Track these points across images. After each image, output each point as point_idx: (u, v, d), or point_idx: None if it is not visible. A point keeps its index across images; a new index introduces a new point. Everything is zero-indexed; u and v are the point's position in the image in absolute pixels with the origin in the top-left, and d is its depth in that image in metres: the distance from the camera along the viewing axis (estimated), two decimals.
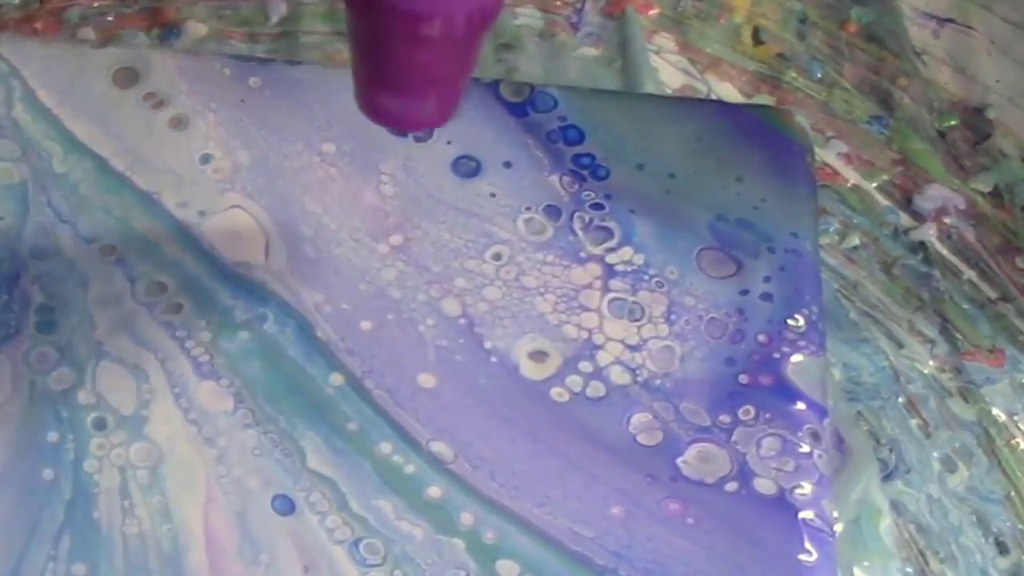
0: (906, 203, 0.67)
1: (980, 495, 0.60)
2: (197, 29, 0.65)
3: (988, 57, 0.71)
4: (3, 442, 0.51)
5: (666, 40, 0.69)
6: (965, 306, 0.66)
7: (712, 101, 0.68)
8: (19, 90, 0.56)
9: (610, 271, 0.56)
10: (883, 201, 0.67)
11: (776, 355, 0.55)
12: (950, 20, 0.71)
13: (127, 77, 0.57)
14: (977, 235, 0.67)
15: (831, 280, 0.65)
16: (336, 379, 0.53)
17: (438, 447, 0.52)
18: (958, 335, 0.66)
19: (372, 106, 0.42)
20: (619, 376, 0.54)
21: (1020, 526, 0.60)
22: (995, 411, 0.63)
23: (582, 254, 0.56)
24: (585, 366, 0.54)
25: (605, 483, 0.52)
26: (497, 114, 0.58)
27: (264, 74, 0.57)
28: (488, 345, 0.54)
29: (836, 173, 0.68)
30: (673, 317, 0.55)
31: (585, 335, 0.55)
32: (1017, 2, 0.70)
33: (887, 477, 0.60)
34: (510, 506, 0.51)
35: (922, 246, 0.66)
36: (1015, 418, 0.63)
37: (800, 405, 0.54)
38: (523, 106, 0.58)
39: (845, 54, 0.70)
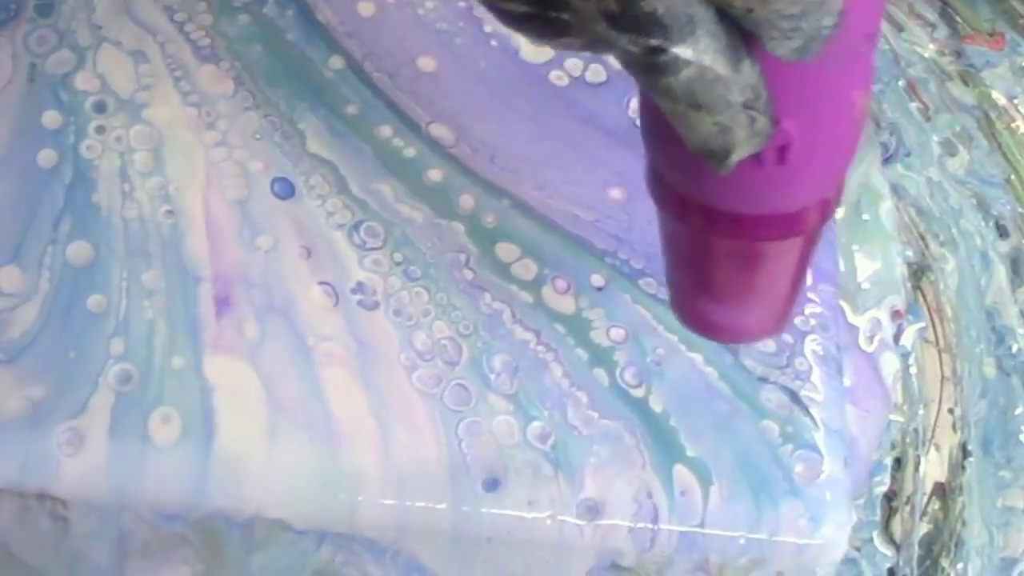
0: None
1: (980, 178, 0.54)
2: None
3: None
4: (3, 125, 0.44)
5: None
6: None
7: None
8: None
9: None
10: None
11: None
12: None
13: None
14: None
15: None
16: (336, 62, 0.46)
17: (438, 130, 0.45)
18: (958, 18, 0.58)
19: (692, 316, 0.34)
20: None
21: (1020, 209, 0.53)
22: (995, 94, 0.56)
23: None
24: None
25: (604, 166, 0.45)
26: None
27: None
28: (488, 28, 0.47)
29: None
30: None
31: None
32: None
33: (887, 160, 0.53)
34: (510, 189, 0.44)
35: None
36: (1015, 101, 0.56)
37: None
38: None
39: None
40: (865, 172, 0.51)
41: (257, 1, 0.46)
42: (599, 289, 0.43)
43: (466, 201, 0.44)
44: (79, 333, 0.40)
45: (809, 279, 0.44)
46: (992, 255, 0.52)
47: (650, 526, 0.39)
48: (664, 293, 0.42)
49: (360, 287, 0.42)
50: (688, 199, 0.29)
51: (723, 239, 0.29)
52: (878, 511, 0.48)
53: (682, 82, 0.24)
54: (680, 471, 0.40)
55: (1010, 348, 0.51)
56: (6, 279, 0.41)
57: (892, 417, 0.49)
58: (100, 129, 0.44)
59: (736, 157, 0.25)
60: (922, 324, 0.51)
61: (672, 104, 0.24)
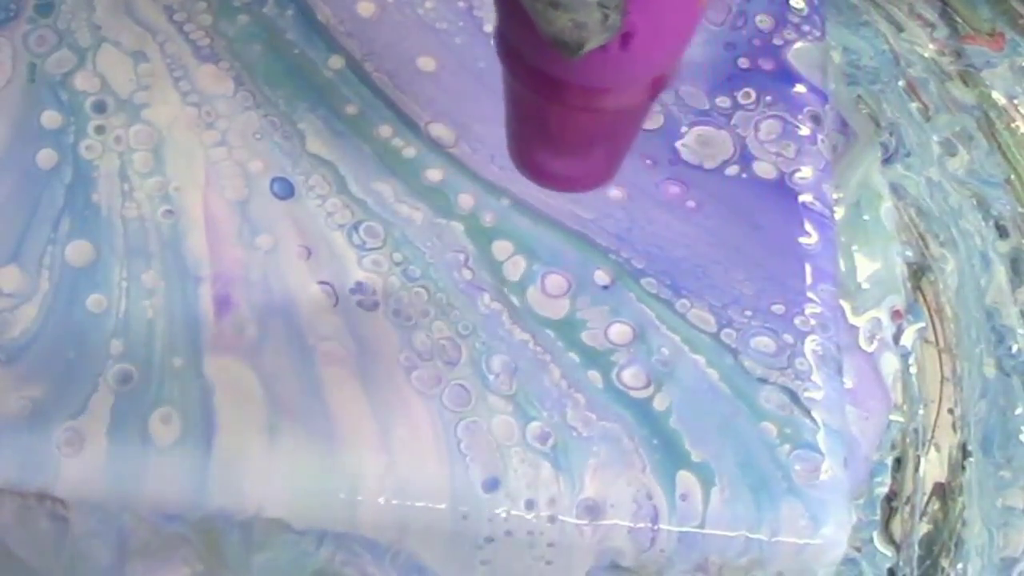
0: None
1: (980, 178, 0.54)
2: None
3: None
4: (2, 125, 0.44)
5: None
6: None
7: None
8: None
9: None
10: None
11: (777, 40, 0.47)
12: None
13: None
14: None
15: None
16: (336, 62, 0.46)
17: (437, 130, 0.45)
18: (958, 18, 0.58)
19: (529, 164, 0.35)
20: None
21: (1020, 209, 0.53)
22: (995, 94, 0.56)
23: None
24: None
25: None
26: None
27: None
28: (488, 28, 0.47)
29: None
30: None
31: None
32: None
33: (887, 161, 0.53)
34: (510, 188, 0.44)
35: None
36: (1015, 101, 0.55)
37: (800, 88, 0.47)
38: None
39: None
40: (865, 172, 0.52)
41: (257, 1, 0.46)
42: (604, 287, 0.43)
43: (465, 200, 0.44)
44: (79, 333, 0.40)
45: (809, 279, 0.44)
46: (992, 255, 0.52)
47: (650, 526, 0.39)
48: (665, 292, 0.42)
49: (360, 287, 0.42)
50: (535, 68, 0.30)
51: (565, 106, 0.31)
52: (878, 511, 0.48)
53: None
54: (680, 472, 0.40)
55: (1010, 348, 0.51)
56: (6, 279, 0.41)
57: (892, 417, 0.49)
58: (100, 129, 0.44)
59: (587, 49, 0.27)
60: (922, 324, 0.51)
61: (531, 0, 0.26)
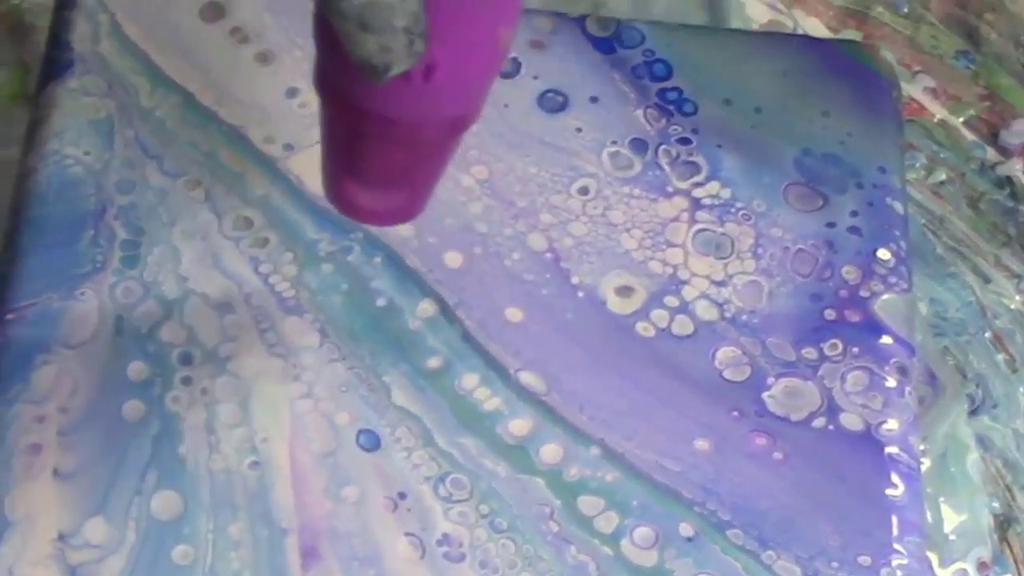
0: (992, 138, 0.61)
1: None
2: None
3: None
4: (90, 377, 0.45)
5: None
6: None
7: (799, 36, 0.61)
8: (106, 24, 0.50)
9: (697, 204, 0.49)
10: (969, 136, 0.61)
11: (863, 291, 0.48)
12: None
13: (213, 11, 0.51)
14: None
15: (918, 215, 0.58)
16: (423, 311, 0.47)
17: (526, 379, 0.46)
18: None
19: (340, 198, 0.38)
20: (705, 311, 0.48)
21: None
22: None
23: (668, 188, 0.49)
24: (671, 301, 0.48)
25: (692, 418, 0.46)
26: (584, 49, 0.51)
27: None
28: (575, 280, 0.48)
29: (923, 108, 0.61)
30: (760, 251, 0.49)
31: (671, 271, 0.48)
32: None
33: (973, 412, 0.53)
34: (597, 440, 0.45)
35: (1008, 181, 0.60)
36: None
37: (887, 340, 0.47)
38: (610, 41, 0.52)
39: None
40: (952, 424, 0.52)
41: (342, 251, 0.48)
42: (688, 539, 0.43)
43: (554, 452, 0.45)
44: None
45: (895, 530, 0.44)
46: None
47: None
48: (752, 544, 0.43)
49: (446, 539, 0.43)
50: (344, 99, 0.33)
51: (373, 137, 0.34)
52: None
53: (355, 7, 0.28)
54: None
55: None
56: (93, 531, 0.42)
57: None
58: (186, 380, 0.45)
59: (393, 73, 0.29)
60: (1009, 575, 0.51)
61: (343, 23, 0.28)
